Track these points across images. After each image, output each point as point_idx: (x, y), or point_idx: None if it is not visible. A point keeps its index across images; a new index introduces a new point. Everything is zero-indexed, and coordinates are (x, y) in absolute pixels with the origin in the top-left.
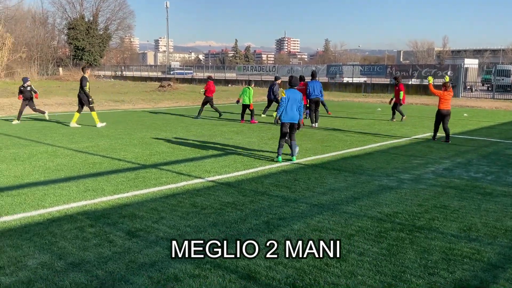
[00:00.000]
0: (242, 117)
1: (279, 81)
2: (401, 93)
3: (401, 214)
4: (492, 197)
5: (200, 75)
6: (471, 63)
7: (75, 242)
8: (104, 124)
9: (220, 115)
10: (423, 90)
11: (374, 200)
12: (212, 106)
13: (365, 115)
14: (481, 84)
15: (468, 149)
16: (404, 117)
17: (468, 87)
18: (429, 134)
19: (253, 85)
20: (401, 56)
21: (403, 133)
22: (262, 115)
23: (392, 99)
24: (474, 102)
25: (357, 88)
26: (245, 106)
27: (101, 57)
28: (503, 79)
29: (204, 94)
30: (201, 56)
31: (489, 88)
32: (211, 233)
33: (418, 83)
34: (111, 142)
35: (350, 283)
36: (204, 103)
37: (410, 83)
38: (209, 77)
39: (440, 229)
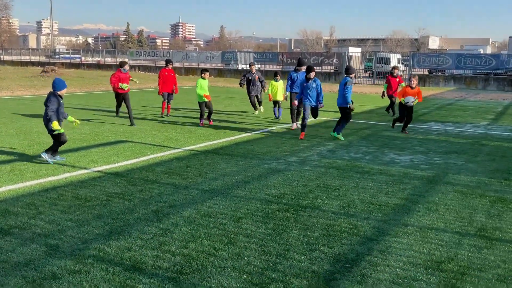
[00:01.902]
0: (202, 116)
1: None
2: (402, 84)
3: (288, 195)
4: (369, 175)
5: (89, 59)
6: (355, 52)
7: None
8: None
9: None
10: None
11: (263, 183)
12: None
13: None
14: (363, 71)
15: (349, 131)
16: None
17: None
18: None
19: (207, 75)
20: (293, 44)
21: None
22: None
23: (383, 92)
24: (357, 88)
25: None
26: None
27: None
28: (382, 66)
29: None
30: (90, 40)
31: (370, 75)
32: (95, 226)
33: None
34: None
35: (236, 265)
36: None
37: None
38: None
39: (322, 207)
